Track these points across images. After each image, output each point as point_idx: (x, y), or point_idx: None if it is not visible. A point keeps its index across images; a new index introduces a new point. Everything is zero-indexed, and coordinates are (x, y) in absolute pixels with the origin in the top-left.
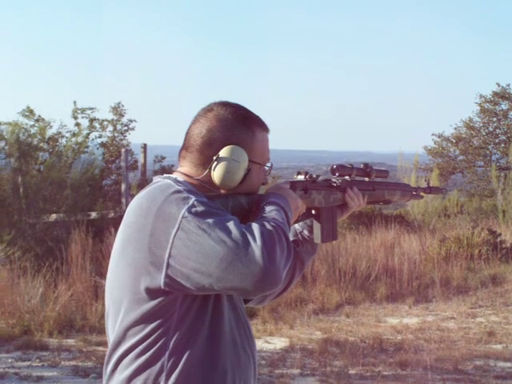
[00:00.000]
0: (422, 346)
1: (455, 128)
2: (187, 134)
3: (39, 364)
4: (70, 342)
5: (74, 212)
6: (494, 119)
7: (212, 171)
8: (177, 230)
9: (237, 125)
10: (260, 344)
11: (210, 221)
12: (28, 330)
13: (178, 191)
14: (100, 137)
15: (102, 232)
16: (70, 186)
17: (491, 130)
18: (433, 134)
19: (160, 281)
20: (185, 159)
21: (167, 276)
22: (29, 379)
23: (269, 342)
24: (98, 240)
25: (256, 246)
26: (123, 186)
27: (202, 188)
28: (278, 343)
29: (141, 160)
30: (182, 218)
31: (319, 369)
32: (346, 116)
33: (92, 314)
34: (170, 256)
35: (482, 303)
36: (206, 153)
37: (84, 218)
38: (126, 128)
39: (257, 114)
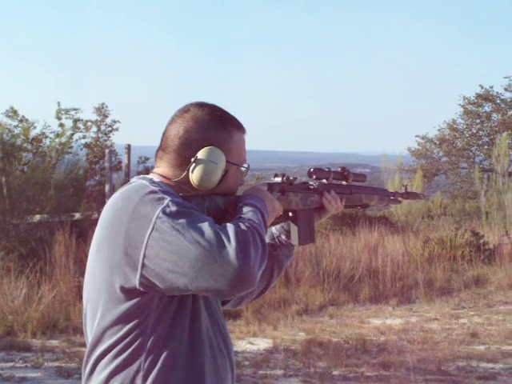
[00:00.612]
0: (405, 346)
1: (439, 130)
2: (164, 134)
3: (22, 365)
4: (54, 342)
5: (58, 213)
6: (478, 121)
7: (190, 173)
8: (151, 231)
9: (214, 126)
10: (243, 345)
11: (184, 221)
12: (11, 331)
13: (153, 191)
14: (84, 137)
15: (86, 233)
16: (53, 186)
17: (474, 131)
18: (416, 136)
19: (135, 281)
20: (161, 160)
21: (142, 276)
22: (12, 380)
23: (252, 342)
24: (82, 241)
25: (230, 247)
26: (107, 187)
27: (178, 189)
28: (261, 344)
29: (125, 161)
30: (157, 218)
31: (303, 369)
32: (330, 117)
33: (75, 314)
34: (144, 256)
35: (465, 304)
36: (183, 153)
37: (68, 219)
38: (109, 129)
39: (233, 114)
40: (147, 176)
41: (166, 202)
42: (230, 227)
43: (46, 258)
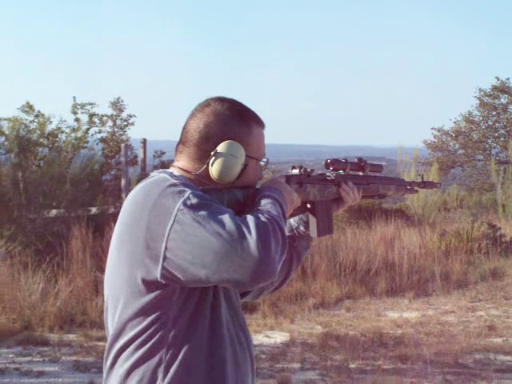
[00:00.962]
0: (422, 339)
1: (455, 122)
2: (184, 128)
3: (40, 359)
4: (71, 337)
5: (74, 207)
6: (494, 113)
7: (210, 166)
8: (172, 223)
9: (234, 120)
10: (260, 338)
11: (205, 213)
12: (29, 326)
13: (174, 184)
14: (99, 132)
15: (102, 227)
16: (69, 181)
17: (491, 123)
18: (432, 128)
19: (157, 273)
20: (182, 154)
21: (164, 268)
22: (29, 374)
23: (269, 336)
24: (98, 235)
25: (251, 238)
26: (123, 181)
27: (198, 182)
28: (278, 337)
29: (140, 155)
30: (178, 210)
31: (319, 363)
32: (346, 110)
33: (92, 309)
34: (166, 249)
35: (482, 297)
36: (204, 147)
37: (84, 214)
38: (125, 123)
39: (253, 109)
40: (167, 170)
41: (186, 194)
42: (250, 219)
43: (62, 253)
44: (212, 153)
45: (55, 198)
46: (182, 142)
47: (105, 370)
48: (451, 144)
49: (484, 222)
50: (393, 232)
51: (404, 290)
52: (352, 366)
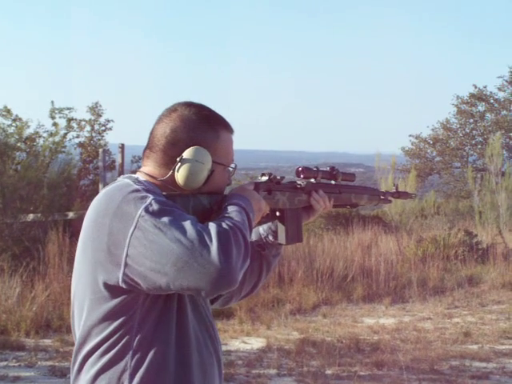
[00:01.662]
0: (399, 346)
1: (432, 129)
2: (151, 133)
3: (16, 364)
4: (47, 342)
5: (51, 212)
6: (471, 120)
7: (176, 172)
8: (134, 229)
9: (201, 125)
10: (237, 344)
11: (167, 220)
12: (5, 330)
13: (136, 190)
14: (77, 137)
15: (79, 232)
16: (47, 185)
17: (468, 131)
18: (410, 135)
19: (119, 279)
20: (148, 159)
21: (125, 275)
22: (5, 379)
23: (246, 342)
24: (75, 240)
25: (212, 246)
26: (101, 186)
27: (164, 188)
28: (254, 343)
29: (118, 160)
30: (139, 217)
31: (296, 369)
32: (324, 116)
33: (69, 314)
34: (127, 255)
35: (459, 304)
36: (170, 153)
37: (61, 218)
38: (103, 128)
39: (222, 115)
40: (133, 175)
41: (148, 200)
42: (212, 226)
43: (39, 258)
44: (178, 159)
45: (32, 203)
46: (149, 147)
47: (72, 376)
48: (429, 151)
49: (461, 229)
50: (370, 238)
51: (381, 296)
52: (328, 372)
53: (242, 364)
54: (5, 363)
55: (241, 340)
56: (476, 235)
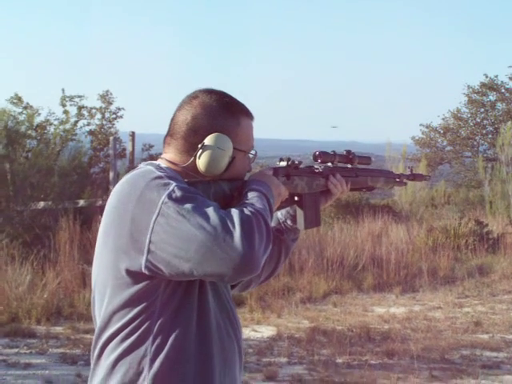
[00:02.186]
0: (409, 335)
1: (443, 119)
2: (172, 120)
3: (27, 351)
4: (58, 329)
5: (62, 200)
6: (482, 110)
7: (197, 159)
8: (157, 216)
9: (222, 112)
10: (247, 332)
11: (190, 206)
12: (16, 317)
13: (159, 177)
14: (88, 124)
15: (90, 220)
16: (57, 173)
17: (479, 120)
18: (421, 125)
19: (141, 265)
20: (169, 146)
21: (148, 261)
22: (17, 366)
23: (256, 330)
24: (86, 228)
25: (235, 232)
26: (111, 174)
27: (186, 175)
28: (265, 332)
29: (129, 148)
30: (162, 203)
31: (306, 357)
32: (332, 105)
33: (80, 301)
34: (150, 241)
35: (469, 293)
36: (191, 140)
37: (72, 206)
38: (114, 116)
39: (241, 101)
40: (154, 162)
41: (171, 187)
42: (234, 212)
43: (50, 245)
44: (199, 145)
45: (43, 190)
46: (170, 134)
47: (92, 361)
48: (439, 140)
49: (471, 219)
50: (380, 228)
51: (391, 285)
52: (339, 360)
53: (253, 352)
54: (16, 350)
55: (251, 328)
56: (486, 225)
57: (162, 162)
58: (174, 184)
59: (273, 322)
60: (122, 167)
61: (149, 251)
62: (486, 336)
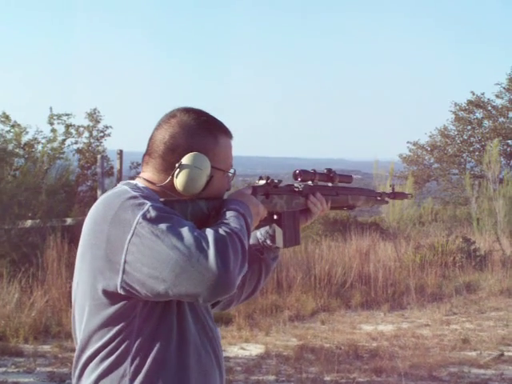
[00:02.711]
0: (397, 352)
1: (430, 136)
2: (150, 139)
3: (15, 370)
4: (46, 348)
5: (50, 218)
6: (469, 127)
7: (175, 178)
8: (131, 236)
9: (199, 131)
10: (235, 350)
11: (164, 226)
12: (3, 336)
13: (134, 197)
14: (76, 143)
15: (78, 238)
16: (45, 191)
17: (466, 138)
18: (408, 142)
19: (117, 286)
20: (147, 165)
21: (123, 281)
22: None
23: (244, 348)
24: (74, 246)
25: (209, 252)
26: (99, 193)
27: (163, 194)
28: (253, 350)
29: (117, 166)
30: (137, 223)
31: (295, 375)
32: (320, 123)
33: (68, 319)
34: (125, 262)
35: (457, 310)
36: (169, 159)
37: (59, 224)
38: (102, 134)
39: (220, 120)
40: (131, 181)
41: (146, 207)
42: (209, 232)
43: (37, 264)
44: (177, 165)
45: (30, 209)
46: (148, 153)
47: (73, 381)
48: (426, 158)
49: (458, 236)
50: (368, 245)
51: (379, 302)
52: (327, 378)
53: (241, 370)
54: (4, 369)
55: (239, 346)
56: (474, 242)
57: (139, 181)
58: (148, 204)
59: (261, 340)
60: (109, 185)
61: (124, 271)
62: (473, 353)
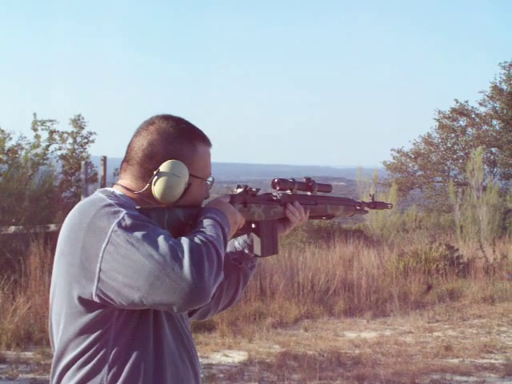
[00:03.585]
0: (380, 359)
1: (414, 143)
2: (129, 146)
3: None
4: (28, 354)
5: (33, 224)
6: (453, 135)
7: (152, 185)
8: (106, 244)
9: (178, 138)
10: (218, 357)
11: (139, 235)
12: None
13: (109, 205)
14: (60, 149)
15: None
16: (28, 197)
17: (449, 145)
18: (392, 150)
19: (92, 294)
20: (125, 172)
21: (98, 289)
22: None
23: (227, 355)
24: None
25: (184, 261)
26: (82, 199)
27: (141, 201)
28: (236, 357)
29: (100, 172)
30: (112, 231)
31: (277, 382)
32: (306, 130)
33: None
34: (100, 270)
35: (440, 318)
36: (147, 166)
37: (43, 231)
38: (85, 140)
39: (199, 127)
40: (109, 189)
41: (121, 215)
42: (184, 241)
43: (20, 270)
44: (154, 172)
45: (14, 215)
46: (126, 159)
47: None
48: (410, 165)
49: (442, 243)
50: (352, 252)
51: (362, 310)
52: None
53: (224, 377)
54: None
55: (222, 353)
56: (457, 249)
57: (117, 189)
58: (124, 212)
59: (244, 347)
60: (93, 192)
61: (99, 280)
62: (456, 360)
